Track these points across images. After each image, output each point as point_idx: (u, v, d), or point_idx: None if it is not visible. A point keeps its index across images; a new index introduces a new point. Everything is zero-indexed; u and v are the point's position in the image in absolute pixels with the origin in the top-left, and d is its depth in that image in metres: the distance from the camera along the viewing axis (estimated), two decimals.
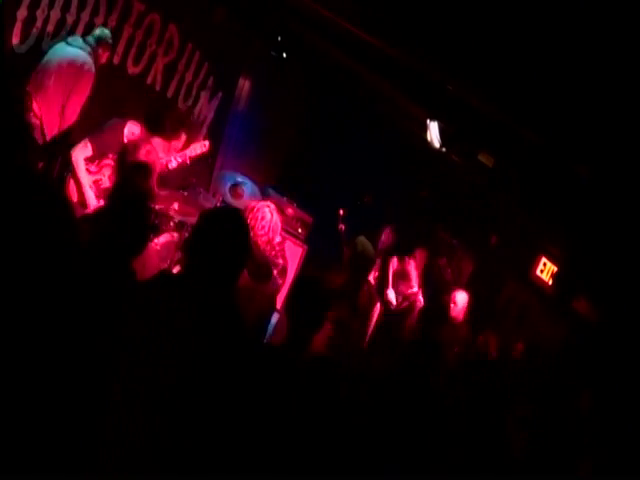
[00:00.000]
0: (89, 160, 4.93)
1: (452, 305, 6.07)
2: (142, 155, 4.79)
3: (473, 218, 7.30)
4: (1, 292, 2.17)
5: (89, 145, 4.87)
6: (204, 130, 7.29)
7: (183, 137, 5.49)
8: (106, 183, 4.99)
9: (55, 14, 5.18)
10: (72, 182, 4.93)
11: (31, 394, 2.16)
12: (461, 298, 6.09)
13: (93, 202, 4.94)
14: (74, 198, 4.92)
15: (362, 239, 5.47)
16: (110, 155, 4.98)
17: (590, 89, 3.57)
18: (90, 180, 4.95)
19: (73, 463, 2.14)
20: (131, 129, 5.04)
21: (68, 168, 4.91)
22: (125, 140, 4.99)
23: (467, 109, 5.16)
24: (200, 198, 6.06)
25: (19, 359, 2.16)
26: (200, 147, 5.52)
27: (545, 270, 6.44)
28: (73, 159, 4.85)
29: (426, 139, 6.20)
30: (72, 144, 4.94)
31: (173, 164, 5.29)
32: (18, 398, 2.14)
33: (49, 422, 2.16)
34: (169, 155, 5.34)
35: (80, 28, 5.44)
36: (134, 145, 4.82)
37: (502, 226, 6.98)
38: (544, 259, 6.48)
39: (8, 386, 2.12)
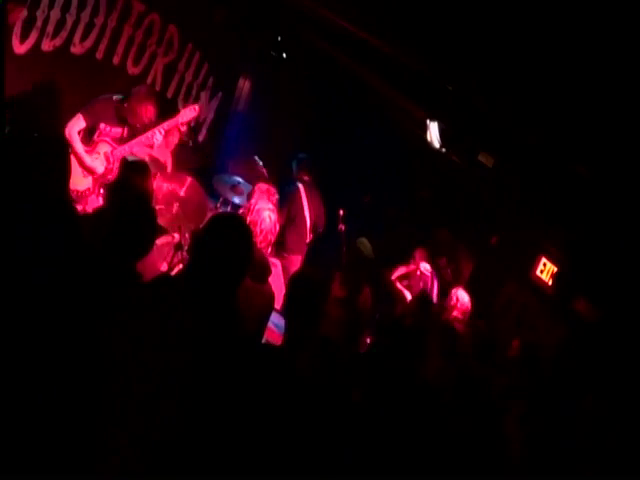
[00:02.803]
0: (83, 135, 4.94)
1: (454, 303, 6.03)
2: (137, 107, 4.82)
3: (473, 218, 7.30)
4: (2, 293, 2.17)
5: (81, 117, 4.91)
6: (204, 130, 7.30)
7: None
8: (102, 160, 5.01)
9: (55, 14, 5.19)
10: (72, 158, 4.93)
11: (31, 395, 2.16)
12: (463, 297, 6.06)
13: (100, 168, 4.99)
14: (79, 173, 4.94)
15: (363, 240, 5.49)
16: (102, 125, 4.99)
17: (590, 89, 3.57)
18: (90, 159, 4.98)
19: (72, 463, 2.14)
20: (117, 99, 5.07)
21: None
22: (114, 98, 5.02)
23: (467, 109, 5.16)
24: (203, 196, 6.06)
25: (20, 360, 2.16)
26: (190, 111, 5.27)
27: (545, 270, 6.43)
28: (67, 134, 4.88)
29: (426, 139, 6.19)
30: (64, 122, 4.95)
31: (158, 137, 5.12)
32: (17, 399, 2.14)
33: (48, 422, 2.16)
34: (154, 127, 5.17)
35: (80, 28, 5.45)
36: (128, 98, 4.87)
37: (502, 226, 6.97)
38: (544, 259, 6.47)
39: (8, 387, 2.12)
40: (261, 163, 6.71)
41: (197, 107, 5.38)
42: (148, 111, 5.02)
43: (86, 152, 4.97)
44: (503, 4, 3.57)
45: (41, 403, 2.17)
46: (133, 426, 2.08)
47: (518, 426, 3.72)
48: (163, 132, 5.15)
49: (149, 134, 5.08)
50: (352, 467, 2.67)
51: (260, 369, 2.42)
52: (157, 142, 5.16)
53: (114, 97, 5.06)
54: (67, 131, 4.89)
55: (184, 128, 5.42)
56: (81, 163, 4.96)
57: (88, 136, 5.00)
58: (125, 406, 2.10)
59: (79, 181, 4.98)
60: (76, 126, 4.91)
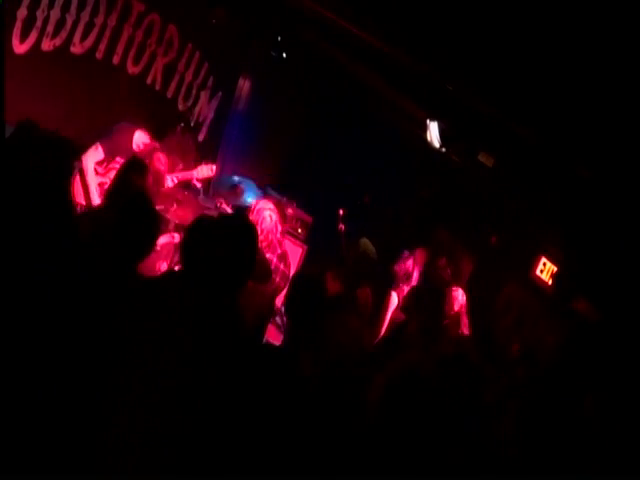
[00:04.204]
0: (99, 163, 4.97)
1: (453, 302, 6.02)
2: (152, 164, 4.87)
3: (473, 218, 7.30)
4: (3, 293, 2.16)
5: (100, 148, 4.94)
6: (204, 130, 7.29)
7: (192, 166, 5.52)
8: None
9: (55, 14, 5.18)
10: (79, 182, 4.96)
11: (32, 395, 2.15)
12: (460, 297, 6.05)
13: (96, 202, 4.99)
14: (80, 199, 4.96)
15: (365, 240, 5.49)
16: (118, 158, 5.02)
17: (590, 89, 3.57)
18: (96, 182, 4.99)
19: (73, 463, 2.14)
20: (140, 138, 5.10)
21: (76, 169, 4.94)
22: (134, 146, 5.05)
23: (467, 109, 5.16)
24: (199, 200, 6.07)
25: (21, 361, 2.16)
26: (207, 170, 5.55)
27: (545, 270, 6.43)
28: (84, 164, 4.90)
29: (426, 139, 6.19)
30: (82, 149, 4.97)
31: (169, 184, 5.31)
32: (18, 400, 2.14)
33: (49, 421, 2.16)
34: (170, 173, 5.37)
35: (80, 28, 5.45)
36: (145, 154, 4.89)
37: (502, 226, 6.97)
38: (544, 259, 6.47)
39: (9, 388, 2.12)
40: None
41: (214, 168, 5.65)
42: (163, 166, 5.13)
43: (97, 174, 4.98)
44: (504, 4, 3.57)
45: (42, 403, 2.17)
46: (133, 426, 2.08)
47: (517, 426, 3.72)
48: (176, 181, 5.30)
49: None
50: (353, 467, 2.67)
51: (261, 369, 2.42)
52: (168, 187, 5.31)
53: (136, 132, 5.10)
54: (84, 161, 4.90)
55: (197, 183, 5.58)
56: (86, 192, 4.95)
57: (101, 164, 5.03)
58: (126, 406, 2.10)
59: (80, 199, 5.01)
60: (93, 157, 4.93)
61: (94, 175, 4.95)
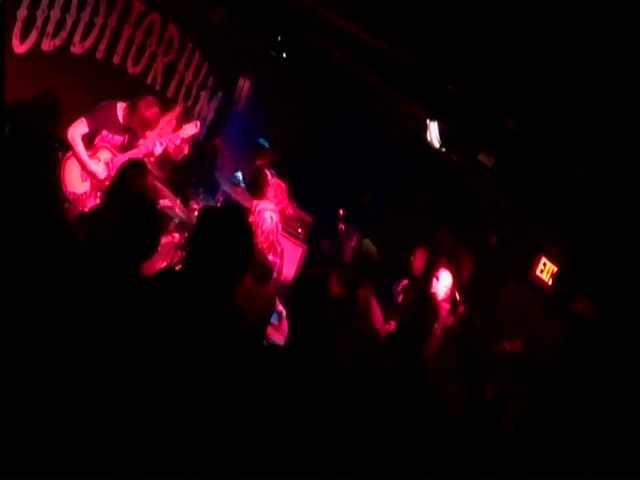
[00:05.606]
0: (85, 140, 4.96)
1: (435, 280, 6.01)
2: (144, 111, 4.84)
3: (473, 218, 7.30)
4: (1, 293, 2.16)
5: (84, 121, 4.93)
6: (204, 130, 7.30)
7: (178, 110, 5.46)
8: (102, 167, 5.03)
9: (55, 14, 5.19)
10: (72, 161, 4.96)
11: (33, 395, 2.16)
12: (445, 276, 6.03)
13: (102, 174, 4.99)
14: (77, 176, 4.96)
15: (367, 241, 5.49)
16: (104, 132, 5.02)
17: (591, 88, 3.57)
18: (91, 162, 5.01)
19: (71, 463, 2.14)
20: (121, 107, 5.10)
21: (65, 149, 4.94)
22: (120, 116, 5.04)
23: (467, 109, 5.16)
24: (200, 199, 6.08)
25: (20, 360, 2.16)
26: (191, 128, 5.41)
27: (545, 270, 6.43)
28: (69, 137, 4.90)
29: (426, 139, 6.20)
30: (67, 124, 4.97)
31: (158, 149, 5.24)
32: (18, 399, 2.14)
33: (49, 422, 2.16)
34: (160, 136, 5.31)
35: (80, 28, 5.46)
36: (135, 103, 4.87)
37: (502, 226, 6.97)
38: (544, 259, 6.47)
39: (9, 387, 2.12)
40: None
41: (198, 124, 5.51)
42: (152, 112, 5.09)
43: (88, 156, 4.98)
44: (504, 4, 3.57)
45: (43, 403, 2.17)
46: (133, 425, 2.08)
47: (517, 426, 3.73)
48: (164, 144, 5.26)
49: (149, 144, 5.16)
50: (351, 466, 2.67)
51: (261, 369, 2.42)
52: (157, 153, 5.25)
53: (118, 104, 5.08)
54: (69, 134, 4.90)
55: (179, 142, 5.53)
56: (83, 167, 4.97)
57: (89, 140, 5.01)
58: (126, 405, 2.10)
59: (77, 184, 5.00)
60: (79, 130, 4.93)
61: (87, 158, 4.96)
